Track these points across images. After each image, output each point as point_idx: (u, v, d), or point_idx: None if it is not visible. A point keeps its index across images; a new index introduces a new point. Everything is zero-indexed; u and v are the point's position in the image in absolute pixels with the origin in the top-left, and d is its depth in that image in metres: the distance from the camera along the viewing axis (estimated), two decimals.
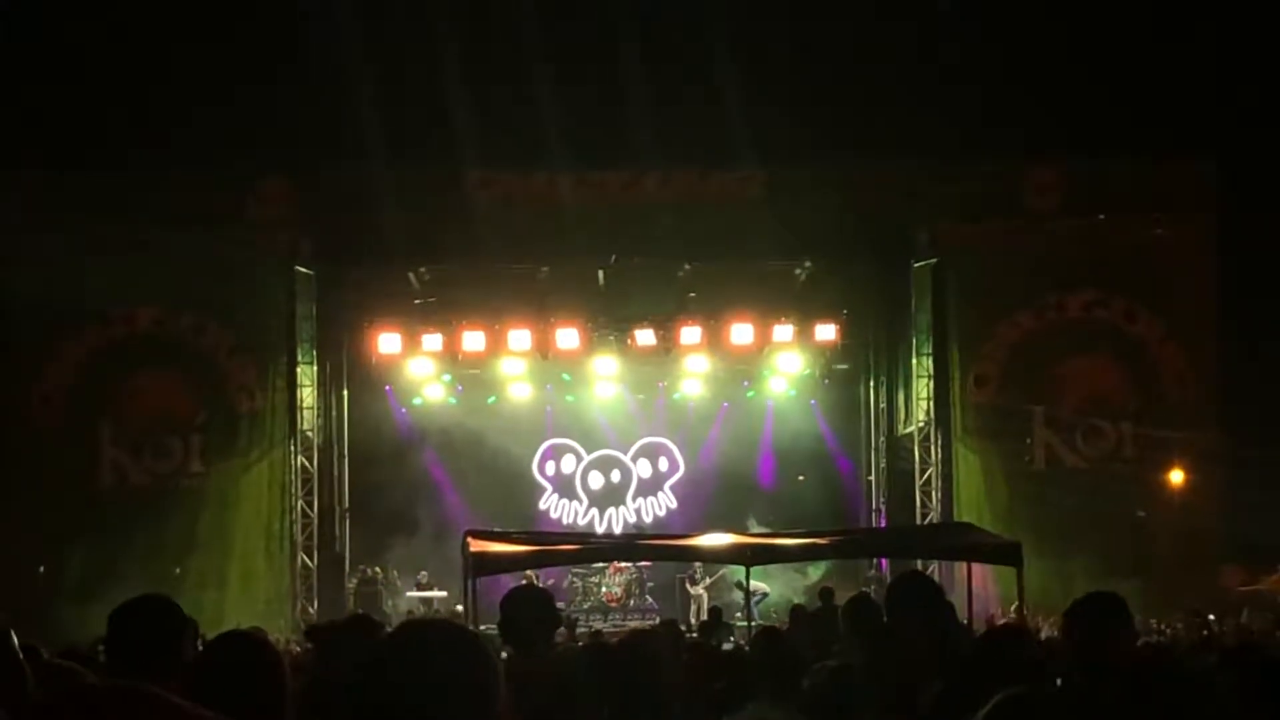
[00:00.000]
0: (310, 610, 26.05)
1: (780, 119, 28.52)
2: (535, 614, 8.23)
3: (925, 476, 27.87)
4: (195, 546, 25.63)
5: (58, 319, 26.14)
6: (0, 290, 26.15)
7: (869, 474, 31.19)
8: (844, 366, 31.64)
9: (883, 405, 30.67)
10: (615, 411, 32.42)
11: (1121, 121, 29.93)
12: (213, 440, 26.38)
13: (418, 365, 30.35)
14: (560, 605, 27.20)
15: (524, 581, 23.44)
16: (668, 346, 30.21)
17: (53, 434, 26.11)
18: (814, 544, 24.00)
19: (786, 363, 30.84)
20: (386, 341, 30.07)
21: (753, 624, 18.67)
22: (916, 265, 27.37)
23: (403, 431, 31.49)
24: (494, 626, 8.15)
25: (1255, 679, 5.71)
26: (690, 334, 29.91)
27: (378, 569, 29.08)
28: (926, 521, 27.28)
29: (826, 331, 30.49)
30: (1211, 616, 23.71)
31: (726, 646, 13.93)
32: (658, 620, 22.95)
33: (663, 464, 32.70)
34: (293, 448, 26.69)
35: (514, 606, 8.11)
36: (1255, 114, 30.40)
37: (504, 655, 7.29)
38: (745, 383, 32.02)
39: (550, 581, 29.14)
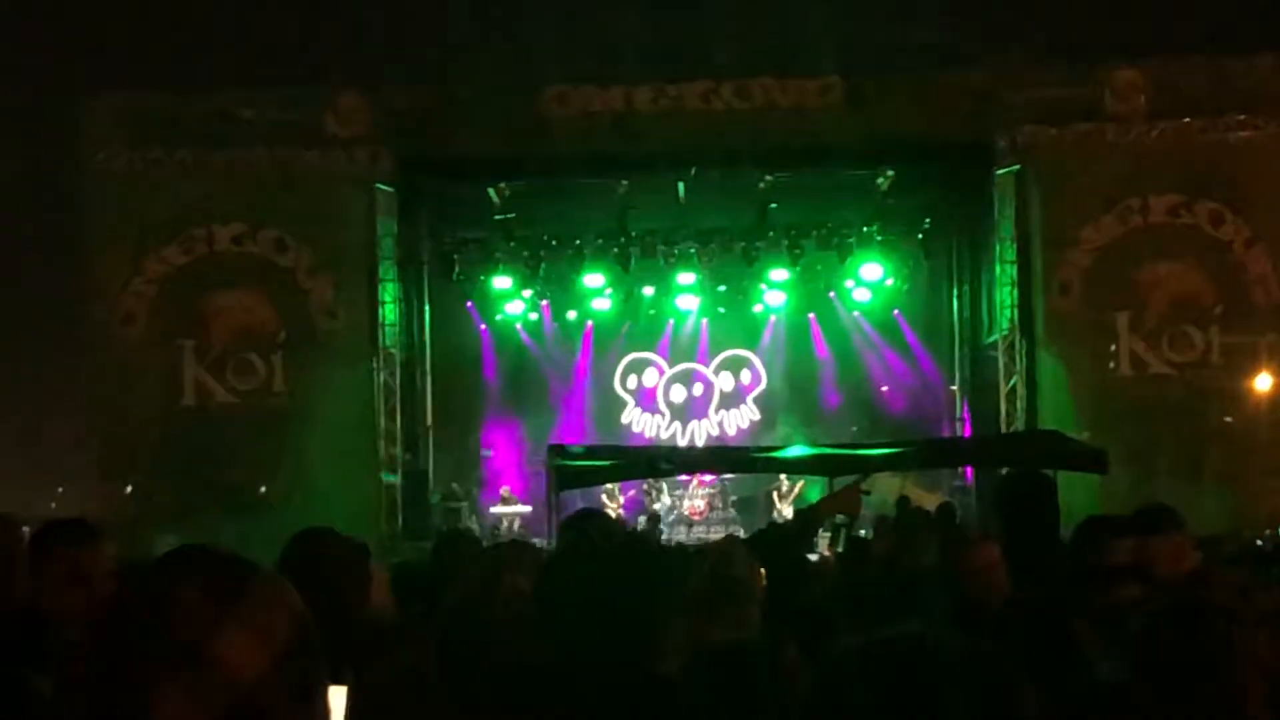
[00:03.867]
0: (395, 526, 26.17)
1: (859, 24, 28.22)
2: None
3: (1009, 386, 27.65)
4: (279, 465, 25.77)
5: (139, 238, 26.28)
6: (83, 210, 26.39)
7: (952, 384, 30.96)
8: (927, 276, 31.50)
9: (966, 314, 30.39)
10: (696, 324, 32.38)
11: (1205, 20, 29.42)
12: (295, 358, 26.45)
13: (499, 281, 30.41)
14: (642, 519, 27.66)
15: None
16: (749, 258, 30.14)
17: (136, 352, 26.25)
18: (898, 453, 23.99)
19: (869, 273, 30.69)
20: (467, 258, 30.17)
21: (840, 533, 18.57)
22: (999, 173, 27.02)
23: (485, 348, 31.62)
24: None
25: None
26: (771, 244, 29.85)
27: (461, 486, 29.25)
28: (1010, 431, 27.11)
29: (910, 240, 30.39)
30: None
31: (812, 557, 13.85)
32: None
33: (745, 376, 32.69)
34: (375, 365, 26.73)
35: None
36: None
37: None
38: (828, 293, 31.86)
39: (631, 493, 29.32)
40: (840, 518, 16.00)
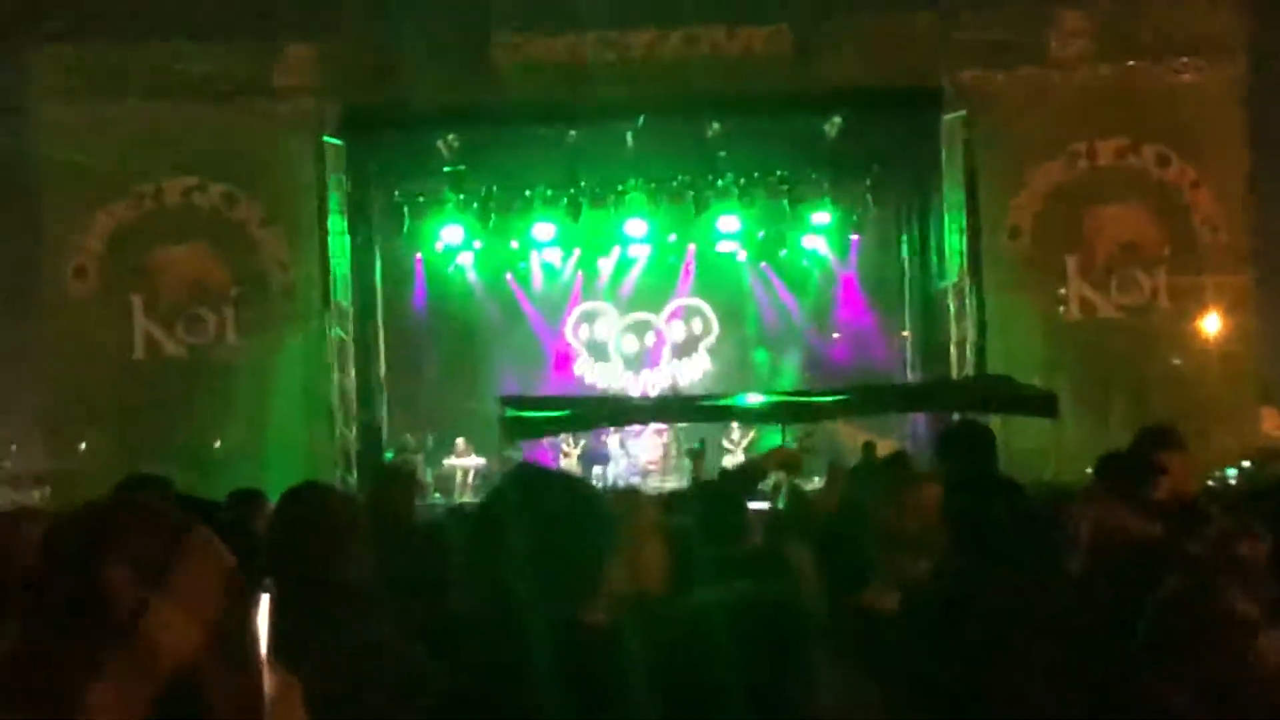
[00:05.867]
0: (350, 480, 26.16)
1: None
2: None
3: (960, 333, 27.74)
4: (233, 419, 25.70)
5: (87, 192, 26.11)
6: (31, 165, 26.21)
7: (904, 329, 31.07)
8: (876, 222, 31.56)
9: (916, 261, 30.48)
10: (647, 274, 32.37)
11: None
12: (247, 312, 26.33)
13: (449, 233, 30.36)
14: (597, 470, 27.73)
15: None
16: (699, 206, 30.18)
17: (87, 308, 26.11)
18: (849, 400, 24.07)
19: (819, 220, 30.76)
20: (417, 210, 30.14)
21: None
22: (946, 118, 27.07)
23: (436, 300, 31.55)
24: None
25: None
26: (721, 193, 29.90)
27: (415, 439, 29.26)
28: (961, 377, 27.20)
29: (859, 187, 30.46)
30: (1247, 464, 23.71)
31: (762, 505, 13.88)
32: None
33: (697, 326, 32.71)
34: (327, 319, 26.65)
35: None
36: None
37: None
38: (777, 243, 31.88)
39: (585, 443, 29.37)
40: (779, 475, 16.09)
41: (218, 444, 25.43)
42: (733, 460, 27.89)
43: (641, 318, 32.72)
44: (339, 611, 4.63)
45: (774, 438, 23.95)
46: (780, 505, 14.72)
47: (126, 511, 1.93)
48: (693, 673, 2.03)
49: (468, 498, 27.55)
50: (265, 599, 3.96)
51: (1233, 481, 21.49)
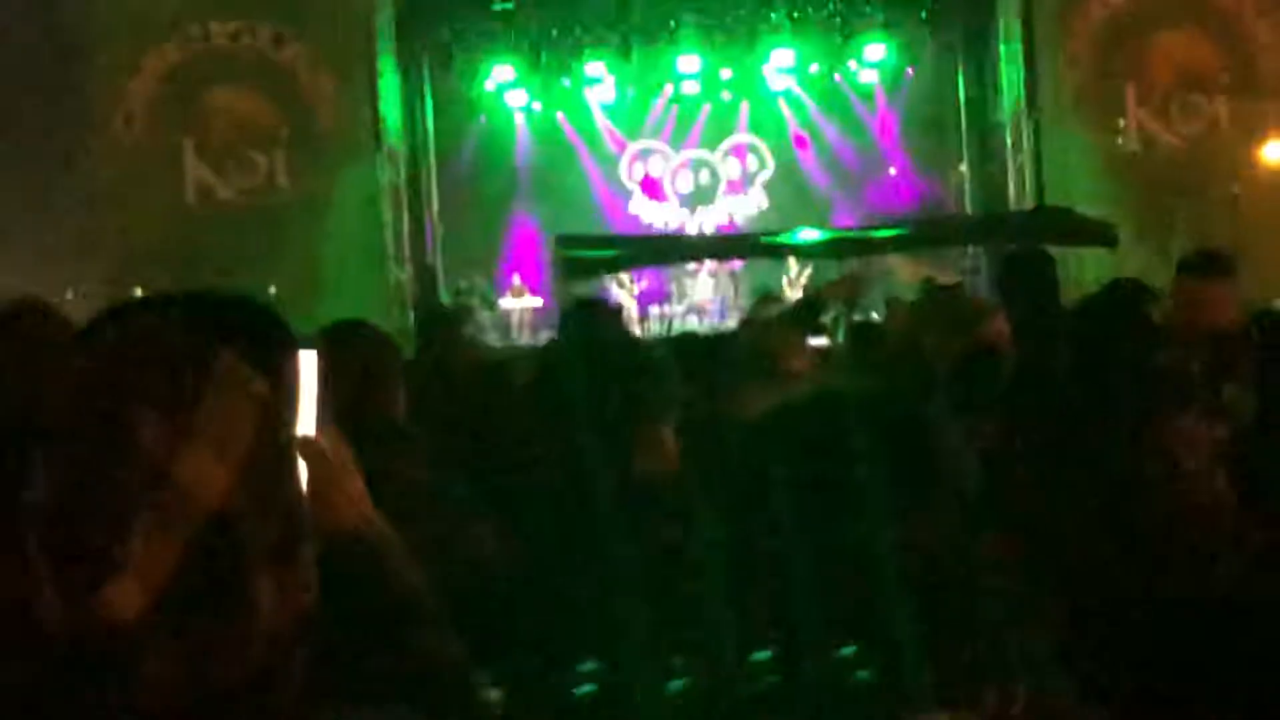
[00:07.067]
0: (406, 323, 26.17)
1: None
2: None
3: (1018, 164, 27.45)
4: (285, 263, 25.70)
5: (135, 35, 26.00)
6: (78, 8, 26.07)
7: (960, 164, 30.77)
8: (933, 55, 31.13)
9: (973, 93, 30.11)
10: (701, 111, 32.09)
11: None
12: (297, 155, 26.28)
13: (500, 72, 30.12)
14: (654, 310, 27.70)
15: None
16: (752, 42, 29.87)
17: (137, 152, 26.12)
18: (907, 234, 23.93)
19: (873, 54, 30.37)
20: (467, 50, 29.89)
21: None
22: None
23: (488, 141, 31.37)
24: None
25: None
26: (774, 28, 29.56)
27: (470, 281, 29.24)
28: (1019, 209, 26.95)
29: (915, 19, 30.04)
30: None
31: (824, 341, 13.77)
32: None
33: (752, 163, 32.43)
34: (379, 160, 26.56)
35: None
36: None
37: None
38: (833, 76, 31.52)
39: (644, 283, 29.29)
40: (839, 305, 15.94)
41: (271, 289, 25.46)
42: (791, 297, 27.85)
43: (697, 155, 32.44)
44: (371, 446, 4.55)
45: (829, 275, 23.85)
46: (840, 339, 14.63)
47: (148, 346, 1.83)
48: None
49: (525, 338, 27.59)
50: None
51: None
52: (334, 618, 1.87)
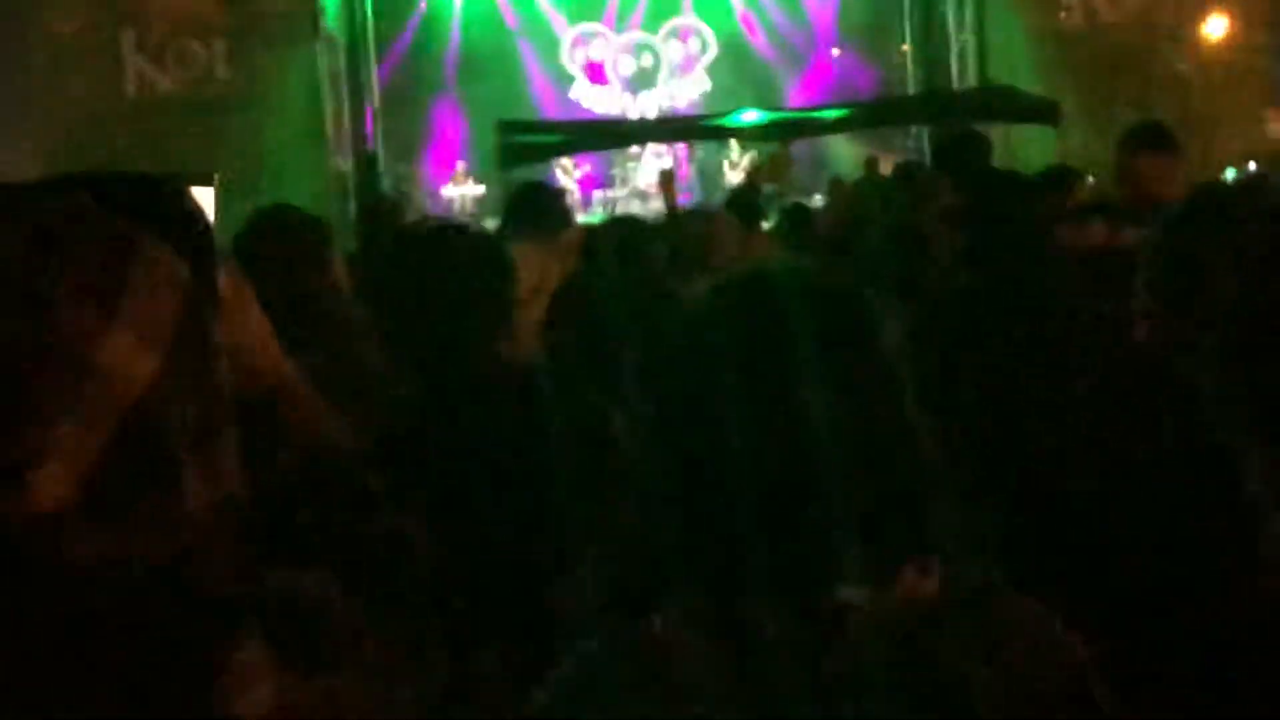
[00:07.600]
0: (347, 211, 26.06)
1: None
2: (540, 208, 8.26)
3: (960, 45, 27.40)
4: (227, 154, 25.51)
5: None
6: None
7: (903, 43, 30.68)
8: None
9: None
10: None
11: None
12: (238, 44, 26.02)
13: None
14: (599, 194, 27.68)
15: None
16: None
17: (73, 44, 25.83)
18: (849, 114, 23.93)
19: None
20: None
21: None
22: None
23: (428, 27, 31.11)
24: None
25: None
26: None
27: (411, 168, 29.14)
28: (963, 88, 26.92)
29: None
30: (1254, 166, 23.56)
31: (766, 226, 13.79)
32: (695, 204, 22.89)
33: (694, 45, 32.27)
34: (319, 48, 26.33)
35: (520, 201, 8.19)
36: None
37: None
38: None
39: (587, 168, 29.23)
40: (769, 188, 15.94)
41: (216, 178, 25.27)
42: (732, 180, 27.82)
43: (638, 38, 32.26)
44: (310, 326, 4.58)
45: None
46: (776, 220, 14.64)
47: (70, 229, 1.74)
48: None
49: None
50: None
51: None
52: (252, 480, 1.85)
